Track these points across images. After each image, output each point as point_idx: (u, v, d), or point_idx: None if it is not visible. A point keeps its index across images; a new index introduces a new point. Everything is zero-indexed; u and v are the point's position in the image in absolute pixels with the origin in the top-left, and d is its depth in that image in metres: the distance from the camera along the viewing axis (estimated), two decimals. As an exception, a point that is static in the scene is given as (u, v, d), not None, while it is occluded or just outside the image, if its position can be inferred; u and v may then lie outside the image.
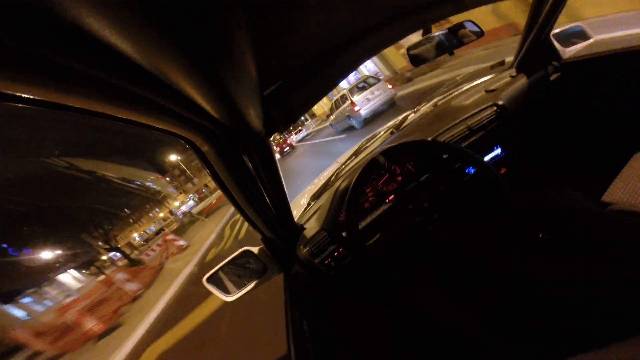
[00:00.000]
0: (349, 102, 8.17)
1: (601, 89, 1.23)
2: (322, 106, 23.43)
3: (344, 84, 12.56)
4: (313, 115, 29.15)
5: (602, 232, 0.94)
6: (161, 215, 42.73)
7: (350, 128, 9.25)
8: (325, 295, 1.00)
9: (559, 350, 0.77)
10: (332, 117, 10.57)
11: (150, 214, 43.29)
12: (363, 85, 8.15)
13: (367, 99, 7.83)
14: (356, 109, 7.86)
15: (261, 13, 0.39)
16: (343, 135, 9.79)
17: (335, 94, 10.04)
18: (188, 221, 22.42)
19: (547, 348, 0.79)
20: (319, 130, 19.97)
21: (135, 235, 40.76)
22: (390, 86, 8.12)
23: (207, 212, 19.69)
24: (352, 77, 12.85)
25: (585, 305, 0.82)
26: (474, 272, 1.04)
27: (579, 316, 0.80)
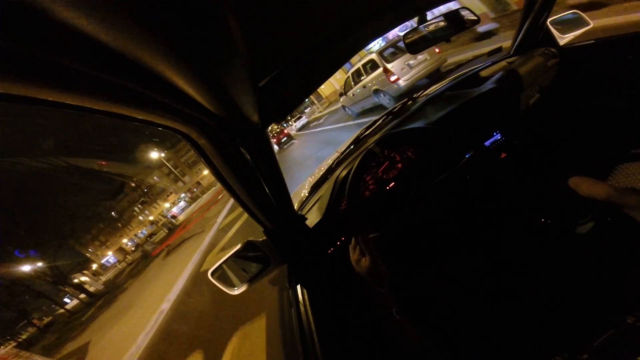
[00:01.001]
0: (379, 71, 5.99)
1: (599, 74, 1.23)
2: (332, 84, 19.88)
3: (373, 45, 8.97)
4: (319, 97, 24.93)
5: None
6: (151, 218, 40.86)
7: (374, 109, 7.13)
8: (329, 284, 1.01)
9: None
10: (345, 97, 8.09)
11: (140, 217, 41.42)
12: (393, 50, 6.03)
13: (409, 65, 5.65)
14: (393, 78, 5.66)
15: (253, 1, 0.39)
16: (358, 121, 7.71)
17: (354, 62, 7.39)
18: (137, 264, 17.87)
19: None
20: (325, 115, 16.54)
21: (125, 240, 39.45)
22: (437, 50, 5.96)
23: (171, 244, 14.37)
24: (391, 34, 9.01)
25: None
26: (474, 258, 1.05)
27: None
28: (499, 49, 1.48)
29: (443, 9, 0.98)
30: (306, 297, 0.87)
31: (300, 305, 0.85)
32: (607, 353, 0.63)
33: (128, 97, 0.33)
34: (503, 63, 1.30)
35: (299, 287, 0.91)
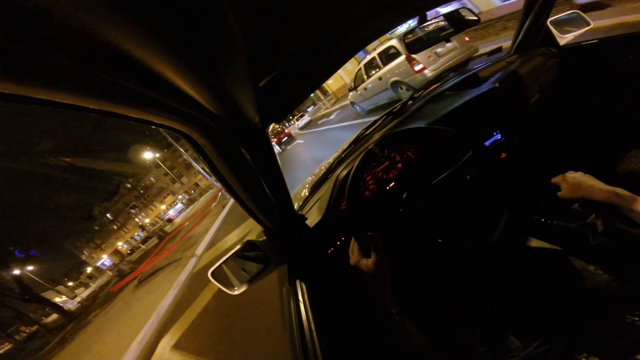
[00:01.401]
0: (400, 59, 5.21)
1: (599, 74, 1.23)
2: (342, 77, 17.62)
3: (397, 29, 6.90)
4: (326, 93, 22.09)
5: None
6: (147, 220, 39.62)
7: (390, 104, 6.12)
8: (329, 284, 1.01)
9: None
10: (355, 92, 7.19)
11: (137, 219, 40.21)
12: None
13: (436, 53, 5.03)
14: (418, 68, 5.00)
15: (253, 1, 0.39)
16: (368, 119, 6.23)
17: (371, 50, 6.39)
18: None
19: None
20: (332, 111, 14.74)
21: (120, 243, 38.39)
22: (467, 38, 5.38)
23: (144, 273, 11.66)
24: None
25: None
26: (474, 258, 1.05)
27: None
28: (499, 49, 1.48)
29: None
30: (306, 297, 0.87)
31: (300, 304, 0.85)
32: (607, 352, 0.63)
33: (128, 97, 0.33)
34: (503, 63, 1.30)
35: (299, 287, 0.91)
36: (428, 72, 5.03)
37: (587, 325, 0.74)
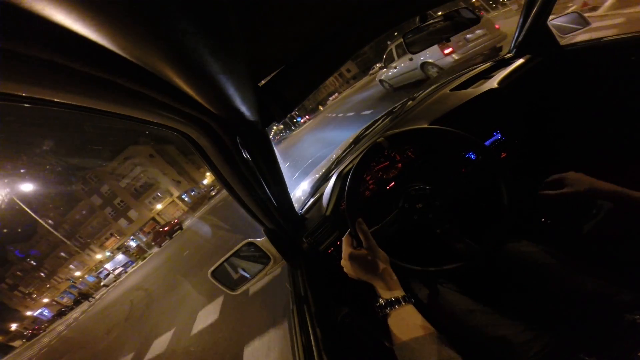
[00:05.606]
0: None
1: (598, 75, 1.23)
2: None
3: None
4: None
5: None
6: (77, 274, 27.63)
7: (417, 82, 6.60)
8: (330, 284, 1.01)
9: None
10: (386, 70, 7.95)
11: (67, 269, 28.35)
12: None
13: (465, 39, 5.14)
14: (447, 51, 5.21)
15: (253, 3, 0.39)
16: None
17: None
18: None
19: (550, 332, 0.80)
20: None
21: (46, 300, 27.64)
22: (497, 25, 5.29)
23: None
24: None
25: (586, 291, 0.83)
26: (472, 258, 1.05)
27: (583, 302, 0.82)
28: (499, 49, 1.48)
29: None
30: (307, 296, 0.87)
31: (301, 304, 0.85)
32: (607, 351, 0.63)
33: (128, 98, 0.33)
34: (503, 63, 1.30)
35: (299, 286, 0.92)
36: (455, 56, 5.17)
37: (588, 325, 0.74)
